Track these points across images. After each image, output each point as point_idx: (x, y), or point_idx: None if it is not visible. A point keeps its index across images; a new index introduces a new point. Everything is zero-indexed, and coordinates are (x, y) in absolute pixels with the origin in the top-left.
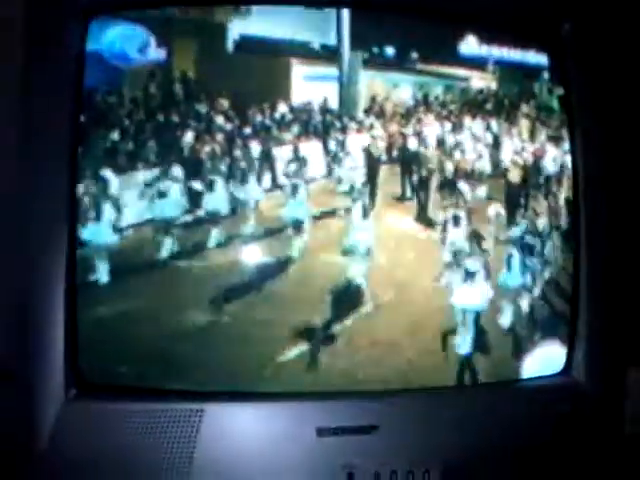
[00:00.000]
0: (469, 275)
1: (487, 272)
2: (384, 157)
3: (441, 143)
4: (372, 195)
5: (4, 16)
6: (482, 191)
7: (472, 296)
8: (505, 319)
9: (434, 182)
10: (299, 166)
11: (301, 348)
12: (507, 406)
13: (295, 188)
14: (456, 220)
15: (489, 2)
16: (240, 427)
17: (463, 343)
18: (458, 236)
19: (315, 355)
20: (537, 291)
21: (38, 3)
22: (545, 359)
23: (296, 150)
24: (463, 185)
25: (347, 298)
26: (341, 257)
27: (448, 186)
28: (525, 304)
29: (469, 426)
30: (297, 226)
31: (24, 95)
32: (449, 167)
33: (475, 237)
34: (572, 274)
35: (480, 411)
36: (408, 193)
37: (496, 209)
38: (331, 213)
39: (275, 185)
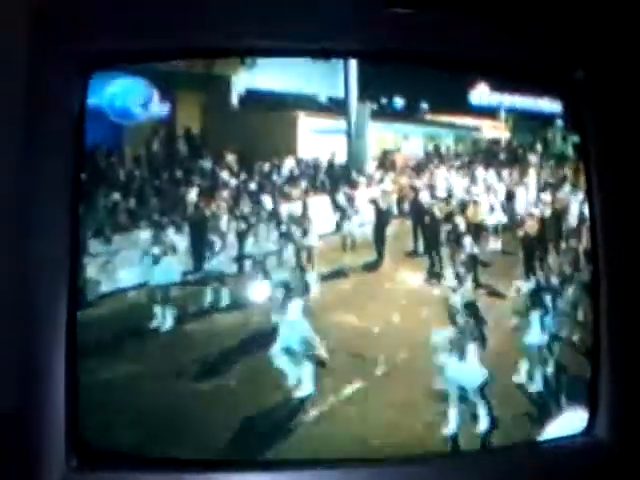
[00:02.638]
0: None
1: (482, 345)
2: (395, 211)
3: (453, 195)
4: (382, 250)
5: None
6: (497, 244)
7: (463, 371)
8: (525, 379)
9: (445, 236)
10: (306, 224)
11: (312, 414)
12: (530, 467)
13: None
14: (460, 280)
15: (500, 50)
16: None
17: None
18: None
19: (325, 421)
20: (557, 350)
21: (39, 57)
22: (568, 419)
23: (304, 206)
24: (471, 241)
25: (358, 360)
26: (353, 317)
27: (458, 241)
28: (546, 363)
29: None
30: (303, 287)
31: (24, 153)
32: (461, 221)
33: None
34: (592, 330)
35: (503, 474)
36: (420, 248)
37: (515, 278)
38: (340, 271)
39: (285, 242)
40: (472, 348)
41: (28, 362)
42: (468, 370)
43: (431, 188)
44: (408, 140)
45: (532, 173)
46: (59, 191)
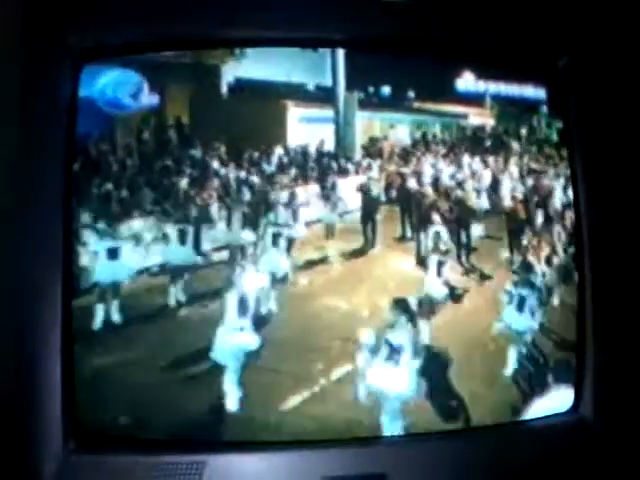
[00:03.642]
0: (393, 351)
1: (415, 349)
2: (383, 197)
3: (440, 181)
4: (372, 236)
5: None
6: (481, 229)
7: (392, 379)
8: (511, 361)
9: (432, 221)
10: (295, 211)
11: (304, 395)
12: (516, 446)
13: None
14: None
15: (485, 38)
16: (242, 478)
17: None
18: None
19: (319, 402)
20: (543, 330)
21: (32, 49)
22: (554, 398)
23: (293, 194)
24: (457, 226)
25: (350, 344)
26: (343, 302)
27: (444, 226)
28: (531, 344)
29: (479, 469)
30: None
31: (17, 144)
32: (447, 206)
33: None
34: (577, 310)
35: (489, 453)
36: (408, 233)
37: (499, 262)
38: (329, 257)
39: (274, 229)
40: None
41: (25, 348)
42: None
43: (418, 175)
44: (395, 128)
45: (517, 159)
46: (52, 180)
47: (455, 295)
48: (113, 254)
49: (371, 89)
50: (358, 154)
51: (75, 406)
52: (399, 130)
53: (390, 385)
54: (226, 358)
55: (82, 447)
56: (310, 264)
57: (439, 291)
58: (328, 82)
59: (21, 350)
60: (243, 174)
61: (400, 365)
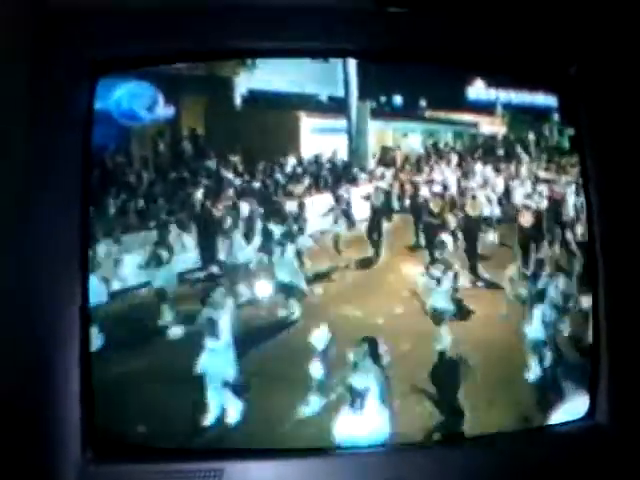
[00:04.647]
0: (356, 396)
1: (382, 392)
2: (396, 206)
3: (452, 190)
4: (383, 245)
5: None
6: (494, 237)
7: (358, 426)
8: (527, 369)
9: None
10: (309, 221)
11: (321, 403)
12: (532, 453)
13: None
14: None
15: (495, 46)
16: None
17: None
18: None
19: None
20: (557, 338)
21: (45, 60)
22: (569, 405)
23: (306, 204)
24: (469, 234)
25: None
26: (357, 311)
27: (456, 235)
28: (546, 351)
29: (494, 476)
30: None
31: (30, 156)
32: (460, 214)
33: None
34: (592, 318)
35: (504, 460)
36: (422, 242)
37: (512, 270)
38: (343, 267)
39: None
40: None
41: (43, 357)
42: None
43: (431, 183)
44: (408, 137)
45: (529, 166)
46: (68, 192)
47: (467, 304)
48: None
49: (383, 99)
50: (371, 163)
51: (93, 415)
52: (411, 139)
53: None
54: None
55: (100, 456)
56: (323, 274)
57: (451, 300)
58: (340, 92)
59: (39, 358)
60: (257, 184)
61: None
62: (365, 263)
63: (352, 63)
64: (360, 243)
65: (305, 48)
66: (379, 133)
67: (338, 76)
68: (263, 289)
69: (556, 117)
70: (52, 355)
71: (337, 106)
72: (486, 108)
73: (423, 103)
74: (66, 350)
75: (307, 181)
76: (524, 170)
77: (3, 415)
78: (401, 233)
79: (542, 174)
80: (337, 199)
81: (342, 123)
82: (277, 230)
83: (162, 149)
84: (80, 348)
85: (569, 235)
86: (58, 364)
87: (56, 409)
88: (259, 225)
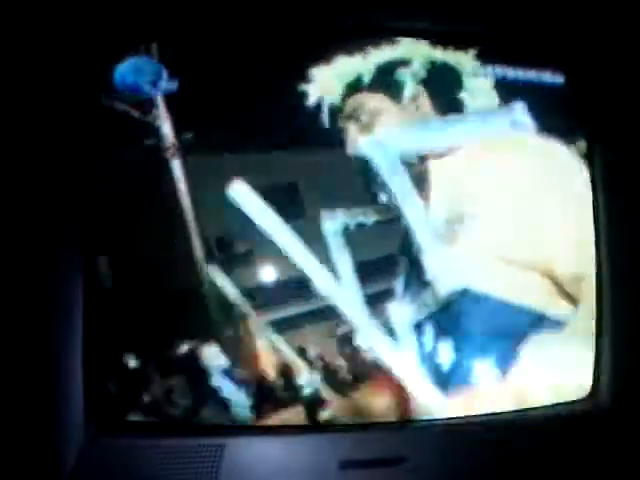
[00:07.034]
0: None
1: None
2: None
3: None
4: None
5: None
6: None
7: None
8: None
9: None
10: None
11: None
12: (533, 432)
13: None
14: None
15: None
16: (261, 461)
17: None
18: None
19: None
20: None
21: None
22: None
23: None
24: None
25: None
26: None
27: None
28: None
29: (496, 454)
30: None
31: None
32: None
33: None
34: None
35: (506, 438)
36: None
37: None
38: None
39: None
40: None
41: (45, 332)
42: None
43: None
44: None
45: None
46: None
47: None
48: None
49: None
50: None
51: (96, 390)
52: None
53: None
54: None
55: (103, 431)
56: None
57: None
58: None
59: (41, 334)
60: None
61: None
62: None
63: None
64: None
65: None
66: None
67: None
68: None
69: None
70: (54, 330)
71: None
72: None
73: None
74: (69, 324)
75: None
76: None
77: (3, 390)
78: None
79: None
80: None
81: None
82: None
83: None
84: (83, 323)
85: None
86: (60, 338)
87: (59, 385)
88: None
